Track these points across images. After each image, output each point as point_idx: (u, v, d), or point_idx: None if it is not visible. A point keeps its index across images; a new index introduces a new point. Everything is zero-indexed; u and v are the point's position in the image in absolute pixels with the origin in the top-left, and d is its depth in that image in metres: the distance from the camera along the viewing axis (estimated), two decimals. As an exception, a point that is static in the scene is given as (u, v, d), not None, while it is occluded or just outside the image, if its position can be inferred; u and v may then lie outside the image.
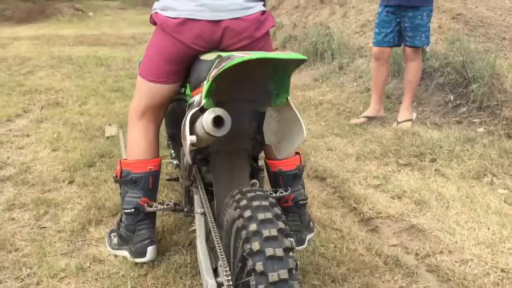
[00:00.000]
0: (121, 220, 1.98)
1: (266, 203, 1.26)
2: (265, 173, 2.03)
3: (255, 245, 1.16)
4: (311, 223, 2.14)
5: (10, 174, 2.80)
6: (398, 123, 3.62)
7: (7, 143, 3.32)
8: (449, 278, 1.82)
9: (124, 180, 1.91)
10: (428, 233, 2.16)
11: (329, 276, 1.83)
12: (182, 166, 1.83)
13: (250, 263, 1.15)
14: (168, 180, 2.34)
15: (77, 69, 6.38)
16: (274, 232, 1.19)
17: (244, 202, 1.27)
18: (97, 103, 4.49)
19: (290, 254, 1.19)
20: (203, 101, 1.37)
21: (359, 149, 3.23)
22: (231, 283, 1.25)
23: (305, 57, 1.32)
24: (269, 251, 1.15)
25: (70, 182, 2.72)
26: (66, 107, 4.33)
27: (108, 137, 3.45)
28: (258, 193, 1.31)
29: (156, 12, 1.73)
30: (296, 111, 1.46)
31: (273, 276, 1.13)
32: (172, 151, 2.49)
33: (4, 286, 1.78)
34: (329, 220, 2.28)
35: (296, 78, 5.33)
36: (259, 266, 1.14)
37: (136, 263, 1.89)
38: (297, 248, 1.98)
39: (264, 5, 1.81)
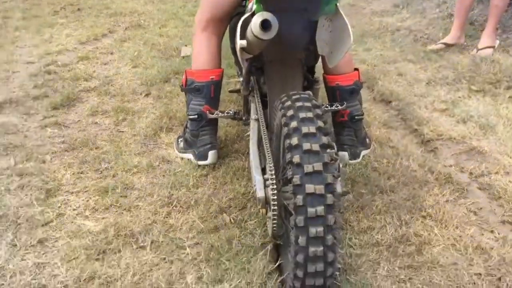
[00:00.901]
0: (186, 126, 2.16)
1: (308, 104, 1.33)
2: (322, 87, 2.09)
3: (294, 140, 1.25)
4: (367, 139, 2.19)
5: (95, 85, 3.08)
6: (478, 50, 3.42)
7: (93, 59, 3.60)
8: (500, 196, 1.82)
9: (189, 88, 2.06)
10: (488, 155, 2.13)
11: (377, 187, 1.90)
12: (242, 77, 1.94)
13: (288, 156, 1.25)
14: (230, 91, 2.47)
15: (160, -5, 6.57)
16: (312, 129, 1.27)
17: (288, 103, 1.35)
18: (176, 26, 4.64)
19: (328, 150, 1.26)
20: (254, 6, 1.43)
21: (431, 74, 3.13)
22: (273, 177, 1.36)
23: None
24: (306, 146, 1.24)
25: (147, 95, 2.94)
26: (147, 29, 4.54)
27: (183, 57, 3.62)
28: (302, 95, 1.38)
29: None
30: (345, 18, 1.47)
31: (307, 168, 1.22)
32: (237, 67, 2.58)
33: (86, 176, 2.04)
34: (387, 138, 2.31)
35: (375, 4, 5.13)
36: (296, 159, 1.23)
37: (199, 165, 2.07)
38: (350, 161, 2.06)
39: None
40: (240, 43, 1.44)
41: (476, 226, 1.68)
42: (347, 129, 2.09)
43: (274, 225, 1.39)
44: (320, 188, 1.21)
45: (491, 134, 2.31)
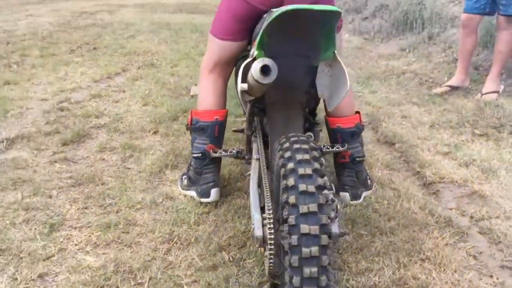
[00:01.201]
0: (190, 164, 2.21)
1: (306, 146, 1.37)
2: (324, 129, 2.14)
3: (290, 181, 1.28)
4: (368, 181, 2.21)
5: (105, 122, 3.16)
6: (482, 94, 3.47)
7: (105, 97, 3.71)
8: (500, 240, 1.82)
9: (194, 128, 2.13)
10: (489, 199, 2.14)
11: (377, 229, 1.90)
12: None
13: (284, 196, 1.29)
14: (234, 131, 2.52)
15: (173, 34, 6.77)
16: (309, 171, 1.30)
17: (287, 145, 1.39)
18: (187, 65, 4.78)
19: (323, 191, 1.29)
20: (255, 52, 1.49)
21: (435, 118, 3.17)
22: (271, 216, 1.39)
23: (337, 9, 1.41)
24: (302, 187, 1.27)
25: (155, 132, 3.01)
26: (159, 68, 4.67)
27: (192, 96, 3.71)
28: (301, 138, 1.42)
29: None
30: (342, 64, 1.53)
31: (303, 208, 1.25)
32: (243, 107, 2.64)
33: (90, 212, 2.08)
34: (389, 180, 2.33)
35: (383, 48, 5.24)
36: (291, 199, 1.26)
37: (202, 203, 2.11)
38: (351, 202, 2.09)
39: None
40: (241, 86, 1.51)
41: (475, 271, 1.67)
42: (348, 170, 2.12)
43: (271, 264, 1.40)
44: (314, 229, 1.23)
45: (493, 178, 2.32)
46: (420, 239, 1.83)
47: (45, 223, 1.95)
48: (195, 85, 3.99)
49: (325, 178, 1.35)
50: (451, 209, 2.10)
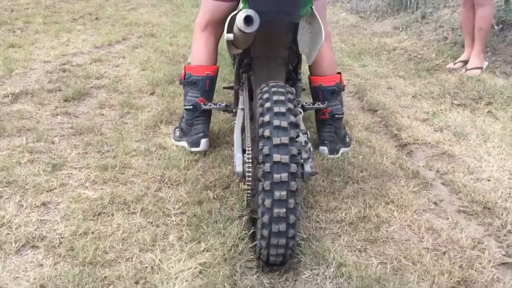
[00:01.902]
0: (183, 117, 2.39)
1: (282, 89, 1.54)
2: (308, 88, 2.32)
3: (266, 118, 1.47)
4: (347, 138, 2.40)
5: (105, 83, 3.33)
6: (467, 70, 3.63)
7: (106, 61, 3.87)
8: (460, 190, 2.00)
9: (186, 82, 2.31)
10: (457, 158, 2.32)
11: (350, 178, 2.09)
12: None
13: (261, 131, 1.47)
14: (224, 88, 2.69)
15: (174, 8, 6.90)
16: (283, 109, 1.48)
17: (266, 88, 1.58)
18: (186, 36, 4.92)
19: (296, 129, 1.48)
20: (241, 5, 1.67)
21: (418, 89, 3.34)
22: (250, 155, 1.57)
23: None
24: (276, 122, 1.45)
25: (152, 93, 3.18)
26: (159, 38, 4.82)
27: (189, 63, 3.87)
28: (278, 83, 1.60)
29: None
30: (320, 20, 1.71)
31: (276, 140, 1.43)
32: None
33: (89, 156, 2.26)
34: (367, 139, 2.51)
35: (377, 26, 5.38)
36: (266, 133, 1.45)
37: (192, 152, 2.29)
38: (329, 156, 2.27)
39: None
40: (227, 36, 1.70)
41: (433, 213, 1.86)
42: (327, 127, 2.31)
43: (248, 196, 1.59)
44: (285, 158, 1.41)
45: (463, 141, 2.50)
46: (387, 186, 2.02)
47: (48, 164, 2.13)
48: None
49: (298, 117, 1.53)
50: (420, 165, 2.28)
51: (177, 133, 2.42)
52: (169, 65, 3.83)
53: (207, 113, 2.33)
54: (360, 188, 2.00)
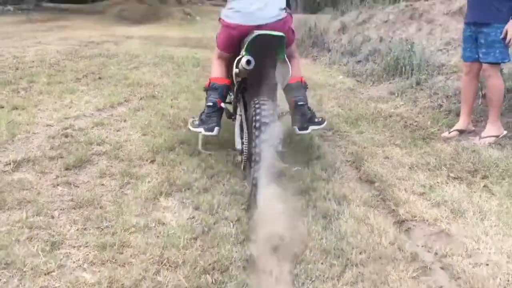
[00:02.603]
0: (203, 111, 3.14)
1: (266, 99, 2.64)
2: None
3: (257, 117, 2.51)
4: (316, 119, 3.13)
5: (106, 150, 3.37)
6: (481, 138, 3.69)
7: (108, 125, 3.94)
8: (459, 276, 2.00)
9: (211, 87, 3.13)
10: (455, 238, 2.33)
11: (349, 260, 2.10)
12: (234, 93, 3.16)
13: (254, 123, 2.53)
14: (225, 103, 3.25)
15: (176, 67, 7.07)
16: (271, 111, 2.56)
17: (256, 100, 2.65)
18: (187, 98, 5.03)
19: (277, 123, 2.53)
20: (243, 53, 2.76)
21: (414, 160, 3.39)
22: (246, 139, 2.72)
23: (283, 34, 2.75)
24: (264, 119, 2.50)
25: (152, 161, 3.22)
26: (160, 100, 4.92)
27: (189, 129, 3.94)
28: (263, 98, 2.65)
29: (221, 18, 3.08)
30: (289, 64, 2.97)
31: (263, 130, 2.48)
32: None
33: (88, 232, 2.27)
34: (365, 216, 2.53)
35: (373, 90, 5.52)
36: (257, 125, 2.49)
37: (192, 217, 2.30)
38: (300, 132, 3.08)
39: (287, 7, 3.04)
40: (235, 70, 2.81)
41: (433, 302, 1.86)
42: (295, 111, 3.07)
43: (244, 164, 2.76)
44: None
45: (460, 219, 2.52)
46: (386, 271, 2.02)
47: (47, 241, 2.14)
48: (193, 117, 4.21)
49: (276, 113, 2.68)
50: (418, 246, 2.29)
51: (196, 123, 3.13)
52: (170, 129, 3.90)
53: (221, 110, 3.09)
54: (359, 273, 2.00)
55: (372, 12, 7.52)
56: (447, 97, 4.62)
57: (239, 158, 2.87)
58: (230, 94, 3.34)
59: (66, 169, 3.00)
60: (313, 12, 33.12)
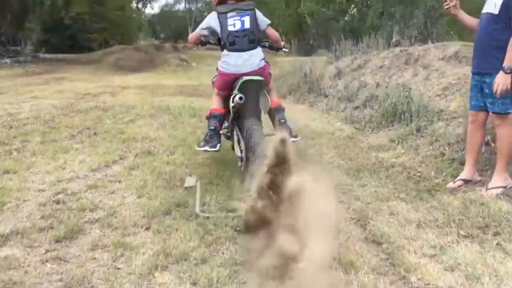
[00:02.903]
0: (207, 134, 3.96)
1: (257, 124, 3.63)
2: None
3: (250, 137, 3.45)
4: (293, 133, 3.93)
5: (99, 216, 3.23)
6: (487, 189, 3.57)
7: (102, 188, 3.81)
8: None
9: (211, 116, 3.99)
10: (473, 310, 2.16)
11: None
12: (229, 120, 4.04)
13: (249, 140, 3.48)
14: (222, 129, 4.08)
15: (172, 119, 7.01)
16: (260, 133, 3.51)
17: (248, 126, 3.57)
18: (183, 153, 4.92)
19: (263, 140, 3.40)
20: (236, 92, 3.67)
21: (421, 216, 3.25)
22: (244, 152, 3.66)
23: (262, 79, 3.76)
24: (255, 138, 3.43)
25: (147, 228, 3.07)
26: (156, 156, 4.81)
27: (186, 188, 3.81)
28: (255, 123, 3.62)
29: (218, 68, 3.98)
30: (268, 97, 3.91)
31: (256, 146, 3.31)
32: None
33: (79, 317, 2.10)
34: (374, 285, 2.36)
35: (373, 138, 5.43)
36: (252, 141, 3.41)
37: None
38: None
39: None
40: (231, 104, 3.71)
41: None
42: (280, 127, 3.63)
43: (242, 166, 3.71)
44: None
45: (476, 285, 2.36)
46: None
47: (32, 332, 1.97)
48: (190, 175, 4.10)
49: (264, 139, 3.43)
50: (435, 320, 2.12)
51: (201, 144, 3.93)
52: (166, 190, 3.77)
53: (219, 134, 3.98)
54: None
55: (367, 58, 7.54)
56: (449, 144, 4.52)
57: (239, 163, 3.86)
58: (225, 122, 4.11)
59: (57, 241, 2.84)
60: (307, 54, 33.68)
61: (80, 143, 5.26)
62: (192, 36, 4.21)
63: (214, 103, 4.04)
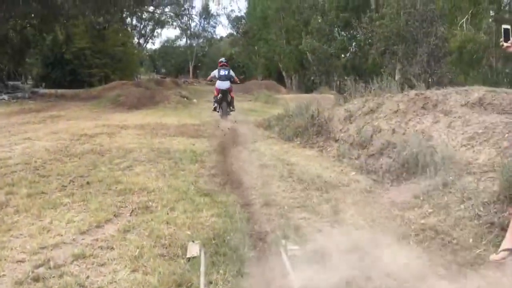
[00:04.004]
0: (215, 101, 12.54)
1: (225, 104, 12.31)
2: None
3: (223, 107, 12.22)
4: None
5: (85, 300, 2.70)
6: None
7: (90, 258, 3.29)
8: None
9: (215, 100, 12.47)
10: None
11: None
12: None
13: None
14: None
15: (172, 165, 6.53)
16: (225, 106, 12.28)
17: (223, 104, 12.21)
18: (185, 210, 4.42)
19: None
20: (220, 95, 12.30)
21: (470, 302, 2.73)
22: (220, 110, 12.38)
23: (228, 89, 12.27)
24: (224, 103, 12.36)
25: (142, 318, 2.54)
26: (155, 213, 4.30)
27: (189, 259, 3.29)
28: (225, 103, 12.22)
29: (216, 86, 12.35)
30: (230, 95, 12.45)
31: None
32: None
33: None
34: None
35: (394, 192, 4.93)
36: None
37: None
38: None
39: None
40: (218, 96, 12.21)
41: None
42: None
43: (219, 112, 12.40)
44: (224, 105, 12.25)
45: None
46: None
47: None
48: (193, 241, 3.58)
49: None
50: None
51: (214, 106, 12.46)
52: (165, 260, 3.26)
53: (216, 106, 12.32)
54: None
55: (380, 100, 7.12)
56: (484, 204, 4.02)
57: (219, 113, 12.10)
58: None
59: (30, 339, 2.31)
60: (308, 90, 33.58)
61: (70, 196, 4.75)
62: (209, 77, 12.88)
63: (214, 96, 12.31)
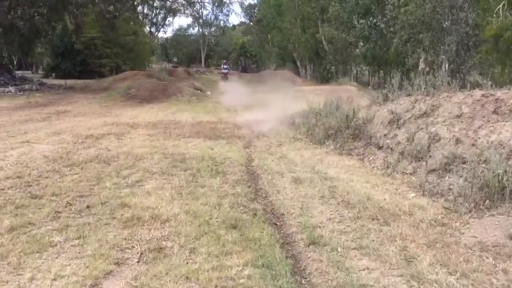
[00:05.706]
0: (222, 76, 32.02)
1: (225, 79, 31.41)
2: None
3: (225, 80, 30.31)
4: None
5: None
6: None
7: None
8: None
9: (221, 77, 31.18)
10: None
11: None
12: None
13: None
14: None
15: (190, 179, 5.50)
16: (226, 79, 31.10)
17: (225, 79, 30.53)
18: (209, 253, 3.39)
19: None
20: (222, 75, 32.85)
21: None
22: (223, 81, 30.21)
23: (227, 72, 32.61)
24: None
25: None
26: (169, 259, 3.29)
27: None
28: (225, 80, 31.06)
29: (221, 71, 33.42)
30: (228, 76, 31.56)
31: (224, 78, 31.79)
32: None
33: None
34: None
35: (477, 228, 3.81)
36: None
37: None
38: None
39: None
40: (221, 75, 31.70)
41: None
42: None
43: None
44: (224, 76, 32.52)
45: None
46: None
47: None
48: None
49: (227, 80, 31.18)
50: None
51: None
52: None
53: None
54: None
55: (434, 102, 5.98)
56: None
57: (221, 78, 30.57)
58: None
59: None
60: (323, 81, 32.45)
61: (63, 231, 3.74)
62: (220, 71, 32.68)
63: (221, 74, 31.95)
